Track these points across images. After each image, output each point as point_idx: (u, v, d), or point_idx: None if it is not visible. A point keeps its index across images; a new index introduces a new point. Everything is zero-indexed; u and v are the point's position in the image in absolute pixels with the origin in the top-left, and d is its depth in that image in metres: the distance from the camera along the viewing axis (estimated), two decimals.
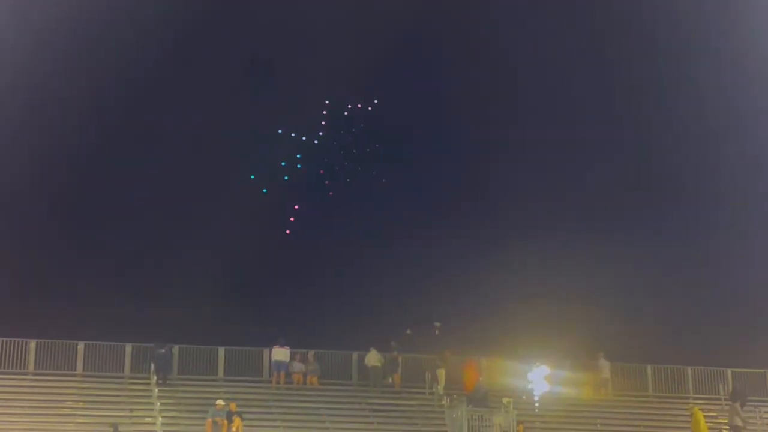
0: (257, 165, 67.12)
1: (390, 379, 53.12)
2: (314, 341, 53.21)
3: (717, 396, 54.39)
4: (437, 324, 55.64)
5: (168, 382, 50.17)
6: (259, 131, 66.65)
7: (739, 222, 64.26)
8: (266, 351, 51.99)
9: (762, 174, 64.90)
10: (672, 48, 65.88)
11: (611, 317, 58.10)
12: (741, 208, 64.56)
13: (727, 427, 50.04)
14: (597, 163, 65.75)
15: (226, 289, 59.81)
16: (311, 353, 52.58)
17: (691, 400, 53.44)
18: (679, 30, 65.32)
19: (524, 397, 52.24)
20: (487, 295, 59.82)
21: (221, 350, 51.57)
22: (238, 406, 46.31)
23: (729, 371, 55.14)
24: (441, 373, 52.41)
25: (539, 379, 52.64)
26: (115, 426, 44.41)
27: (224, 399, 46.46)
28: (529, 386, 52.67)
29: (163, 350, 50.42)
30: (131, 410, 48.09)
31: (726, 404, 52.34)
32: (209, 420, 45.45)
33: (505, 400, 48.01)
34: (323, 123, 69.54)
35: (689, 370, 55.49)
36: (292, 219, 67.66)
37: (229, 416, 45.52)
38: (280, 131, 68.13)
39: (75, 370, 49.81)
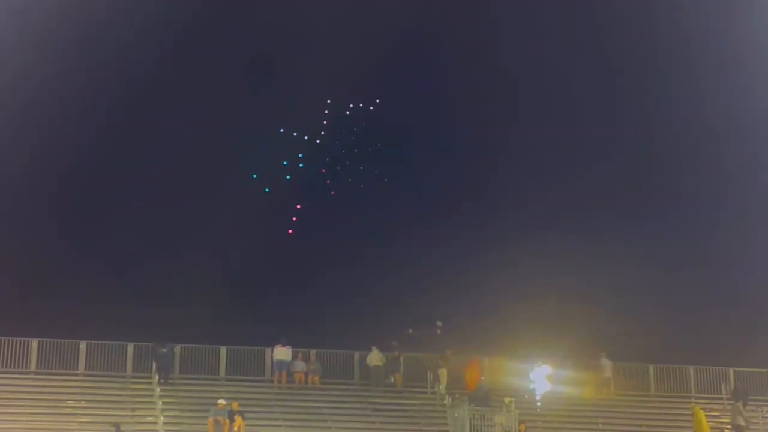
0: (259, 164, 67.06)
1: (392, 379, 53.09)
2: (316, 341, 53.24)
3: (719, 395, 54.50)
4: (439, 323, 55.68)
5: (170, 381, 50.17)
6: (260, 131, 66.60)
7: (739, 222, 64.19)
8: (268, 350, 51.99)
9: (762, 174, 64.84)
10: (672, 48, 65.89)
11: (613, 317, 58.10)
12: (741, 208, 64.48)
13: (730, 426, 50.00)
14: (597, 163, 65.66)
15: (227, 289, 59.89)
16: (313, 352, 52.60)
17: (693, 400, 53.49)
18: (679, 30, 65.28)
19: (526, 397, 52.24)
20: (489, 295, 59.81)
21: (223, 350, 51.61)
22: (239, 405, 46.21)
23: (731, 371, 55.22)
24: (443, 372, 52.36)
25: (541, 378, 52.54)
26: (117, 425, 44.29)
27: (226, 398, 46.38)
28: (531, 386, 52.59)
29: (165, 350, 50.41)
30: (133, 410, 48.07)
31: (728, 404, 52.34)
32: (211, 419, 45.40)
33: (507, 400, 48.04)
34: (325, 122, 69.51)
35: (691, 369, 55.51)
36: (294, 219, 67.58)
37: (231, 416, 45.46)
38: (282, 130, 68.08)
39: (77, 370, 49.82)
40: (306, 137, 68.85)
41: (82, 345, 50.06)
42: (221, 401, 45.91)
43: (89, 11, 61.20)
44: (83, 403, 47.88)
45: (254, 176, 66.48)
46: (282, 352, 51.77)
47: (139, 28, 63.98)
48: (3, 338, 49.33)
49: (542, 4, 67.13)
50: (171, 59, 64.59)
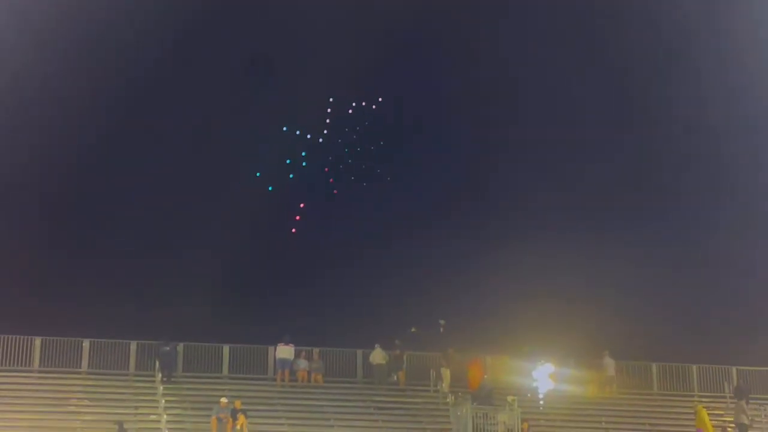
0: (261, 163, 66.96)
1: (395, 377, 53.12)
2: (319, 339, 53.23)
3: (722, 394, 54.56)
4: (442, 322, 55.46)
5: (173, 379, 50.22)
6: (261, 130, 66.48)
7: (739, 222, 64.22)
8: (271, 349, 52.04)
9: (762, 174, 64.86)
10: (672, 48, 65.95)
11: (616, 315, 58.06)
12: (741, 208, 64.51)
13: (733, 425, 49.99)
14: (597, 163, 65.66)
15: (230, 287, 59.72)
16: (316, 351, 52.61)
17: (696, 398, 53.53)
18: (679, 30, 65.31)
19: (529, 395, 52.20)
20: (489, 295, 59.71)
21: (226, 348, 51.65)
22: (242, 403, 46.19)
23: (734, 369, 55.23)
24: (446, 371, 52.34)
25: (544, 377, 52.54)
26: (120, 423, 44.22)
27: (229, 396, 46.53)
28: (534, 384, 52.57)
29: (168, 348, 50.44)
30: (136, 408, 48.10)
31: (731, 402, 52.33)
32: (214, 417, 45.49)
33: (509, 398, 48.05)
34: (327, 121, 69.40)
35: (694, 368, 55.51)
36: (297, 218, 67.46)
37: (234, 414, 45.45)
38: (285, 128, 67.97)
39: (80, 368, 49.89)
40: (309, 136, 68.77)
41: (86, 343, 50.12)
42: (224, 399, 45.99)
43: (89, 11, 61.09)
44: (86, 401, 47.85)
45: (257, 174, 66.37)
46: (285, 351, 51.79)
47: (139, 28, 63.89)
48: (6, 336, 49.38)
49: (542, 4, 67.12)
50: (171, 59, 64.50)
